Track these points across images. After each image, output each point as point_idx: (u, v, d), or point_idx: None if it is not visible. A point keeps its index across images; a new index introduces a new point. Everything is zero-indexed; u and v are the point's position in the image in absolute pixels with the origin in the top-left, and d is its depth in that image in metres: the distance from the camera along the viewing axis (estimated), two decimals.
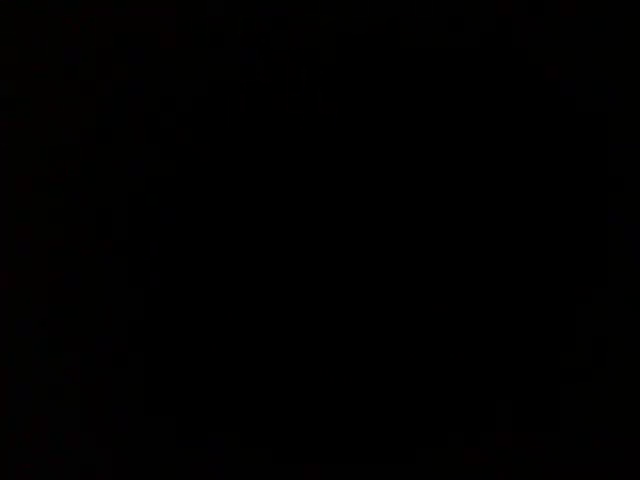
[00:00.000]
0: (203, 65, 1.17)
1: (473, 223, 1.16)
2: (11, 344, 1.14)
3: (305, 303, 1.15)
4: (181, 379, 1.14)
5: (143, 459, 1.13)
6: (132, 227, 1.16)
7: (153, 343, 1.14)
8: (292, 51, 1.18)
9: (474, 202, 1.16)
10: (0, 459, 1.12)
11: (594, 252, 1.15)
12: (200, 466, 1.13)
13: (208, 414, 1.13)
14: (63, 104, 1.17)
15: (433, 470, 1.12)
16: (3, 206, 1.16)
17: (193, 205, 1.16)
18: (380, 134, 1.17)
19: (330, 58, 1.17)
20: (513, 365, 1.13)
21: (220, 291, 1.15)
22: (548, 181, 1.16)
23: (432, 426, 1.13)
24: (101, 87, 1.17)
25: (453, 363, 1.14)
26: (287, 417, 1.13)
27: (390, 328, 1.14)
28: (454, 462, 1.12)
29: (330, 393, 1.13)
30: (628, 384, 1.13)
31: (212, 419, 1.13)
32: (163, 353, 1.14)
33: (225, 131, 1.17)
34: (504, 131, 1.17)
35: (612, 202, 1.16)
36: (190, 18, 1.18)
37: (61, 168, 1.17)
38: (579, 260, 1.15)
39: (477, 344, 1.14)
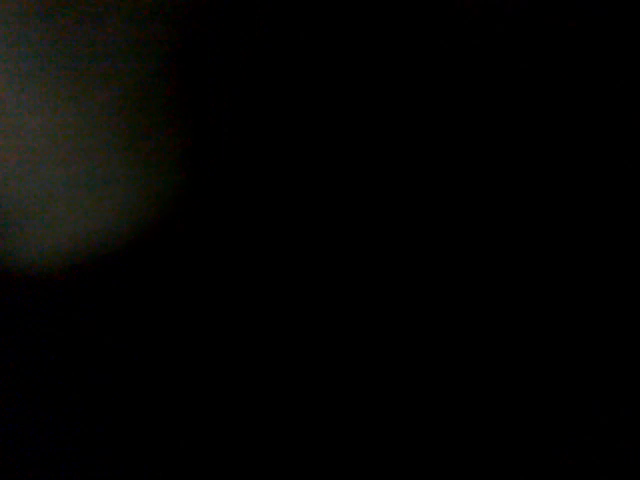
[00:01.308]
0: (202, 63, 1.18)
1: (473, 223, 1.16)
2: (11, 343, 1.14)
3: (304, 304, 1.15)
4: (179, 379, 1.14)
5: (140, 459, 1.13)
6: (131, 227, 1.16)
7: (152, 343, 1.14)
8: (290, 51, 1.18)
9: (474, 202, 1.16)
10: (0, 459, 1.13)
11: (594, 252, 1.15)
12: (198, 466, 1.13)
13: (206, 414, 1.13)
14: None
15: (433, 470, 1.12)
16: None
17: (193, 205, 1.16)
18: (379, 135, 1.17)
19: (329, 60, 1.17)
20: (514, 365, 1.14)
21: (217, 291, 1.15)
22: (548, 181, 1.17)
23: (432, 426, 1.13)
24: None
25: (454, 364, 1.14)
26: (286, 417, 1.13)
27: (390, 328, 1.15)
28: (455, 462, 1.12)
29: (328, 392, 1.14)
30: (629, 384, 1.13)
31: (210, 419, 1.13)
32: (162, 353, 1.14)
33: (224, 131, 1.17)
34: (503, 132, 1.17)
35: (612, 202, 1.16)
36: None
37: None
38: (579, 260, 1.15)
39: (478, 344, 1.14)
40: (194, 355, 1.14)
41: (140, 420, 1.13)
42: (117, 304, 1.14)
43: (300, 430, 1.12)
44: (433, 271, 1.15)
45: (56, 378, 1.13)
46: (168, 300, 1.14)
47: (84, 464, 1.11)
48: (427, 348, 1.14)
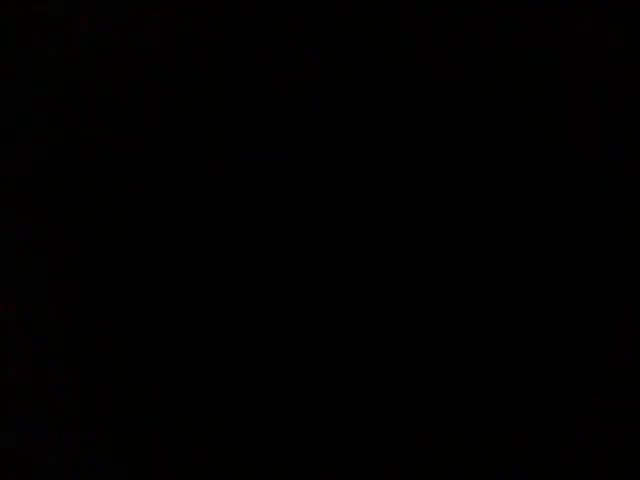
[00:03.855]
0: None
1: (473, 227, 1.16)
2: (10, 343, 1.14)
3: (302, 305, 1.15)
4: (177, 379, 1.13)
5: (137, 459, 1.12)
6: (131, 227, 1.16)
7: (152, 342, 1.14)
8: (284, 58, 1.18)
9: (474, 206, 1.16)
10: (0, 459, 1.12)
11: (594, 253, 1.15)
12: (194, 467, 1.12)
13: (204, 414, 1.13)
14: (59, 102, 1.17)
15: (432, 470, 1.12)
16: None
17: (191, 207, 1.16)
18: (377, 144, 1.17)
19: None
20: (515, 366, 1.13)
21: (214, 291, 1.15)
22: (547, 184, 1.17)
23: (432, 427, 1.13)
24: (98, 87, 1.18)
25: (455, 365, 1.14)
26: (286, 417, 1.13)
27: (388, 330, 1.14)
28: (455, 462, 1.12)
29: (327, 393, 1.13)
30: (631, 385, 1.13)
31: (208, 419, 1.13)
32: (161, 353, 1.14)
33: (224, 134, 1.17)
34: (502, 140, 1.17)
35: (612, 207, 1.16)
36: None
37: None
38: (578, 261, 1.15)
39: (479, 345, 1.14)
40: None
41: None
42: None
43: (296, 426, 1.12)
44: (425, 267, 1.15)
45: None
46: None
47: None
48: (426, 347, 1.14)
